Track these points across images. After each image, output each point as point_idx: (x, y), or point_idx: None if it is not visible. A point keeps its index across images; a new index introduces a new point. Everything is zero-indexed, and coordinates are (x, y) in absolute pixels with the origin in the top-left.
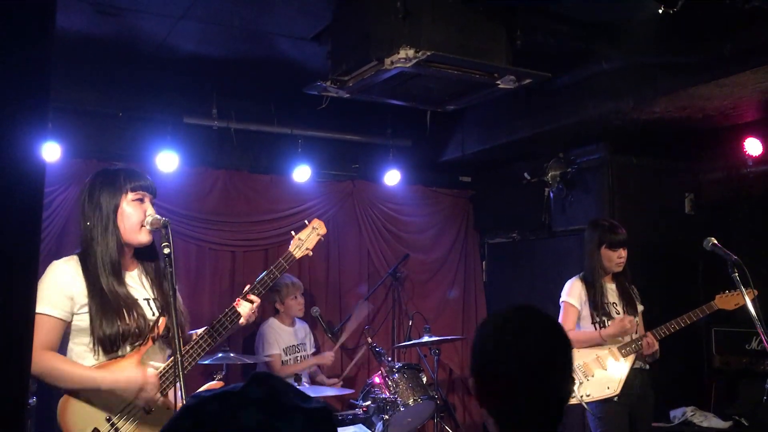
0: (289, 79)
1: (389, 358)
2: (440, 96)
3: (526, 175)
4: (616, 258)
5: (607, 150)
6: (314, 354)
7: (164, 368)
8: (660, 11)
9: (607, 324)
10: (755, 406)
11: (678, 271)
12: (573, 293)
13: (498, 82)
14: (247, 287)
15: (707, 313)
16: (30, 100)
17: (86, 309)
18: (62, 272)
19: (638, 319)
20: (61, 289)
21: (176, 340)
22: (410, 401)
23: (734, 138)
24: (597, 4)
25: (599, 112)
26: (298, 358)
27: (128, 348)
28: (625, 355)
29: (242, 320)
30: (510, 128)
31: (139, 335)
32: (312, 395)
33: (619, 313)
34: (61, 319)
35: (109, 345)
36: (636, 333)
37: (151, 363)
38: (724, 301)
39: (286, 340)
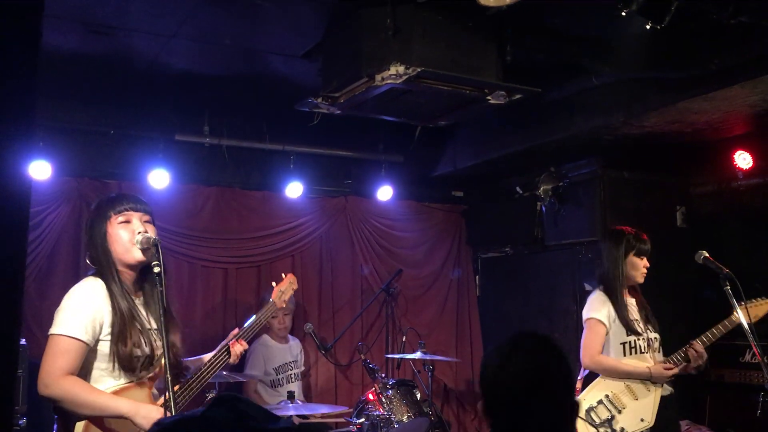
0: (281, 95)
1: (383, 375)
2: (431, 111)
3: (518, 189)
4: (642, 267)
5: (599, 164)
6: (303, 372)
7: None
8: (648, 27)
9: (638, 343)
10: (750, 419)
11: (670, 285)
12: (601, 308)
13: (488, 97)
14: (236, 330)
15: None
16: (15, 118)
17: (109, 332)
18: (92, 295)
19: (658, 336)
20: (91, 312)
21: (165, 360)
22: (404, 418)
23: (724, 151)
24: (587, 20)
25: (590, 126)
26: (291, 376)
27: (141, 372)
28: (654, 383)
29: (231, 359)
30: (501, 143)
31: (150, 361)
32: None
33: (641, 331)
34: (86, 343)
35: (129, 366)
36: (660, 356)
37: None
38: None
39: (279, 358)
